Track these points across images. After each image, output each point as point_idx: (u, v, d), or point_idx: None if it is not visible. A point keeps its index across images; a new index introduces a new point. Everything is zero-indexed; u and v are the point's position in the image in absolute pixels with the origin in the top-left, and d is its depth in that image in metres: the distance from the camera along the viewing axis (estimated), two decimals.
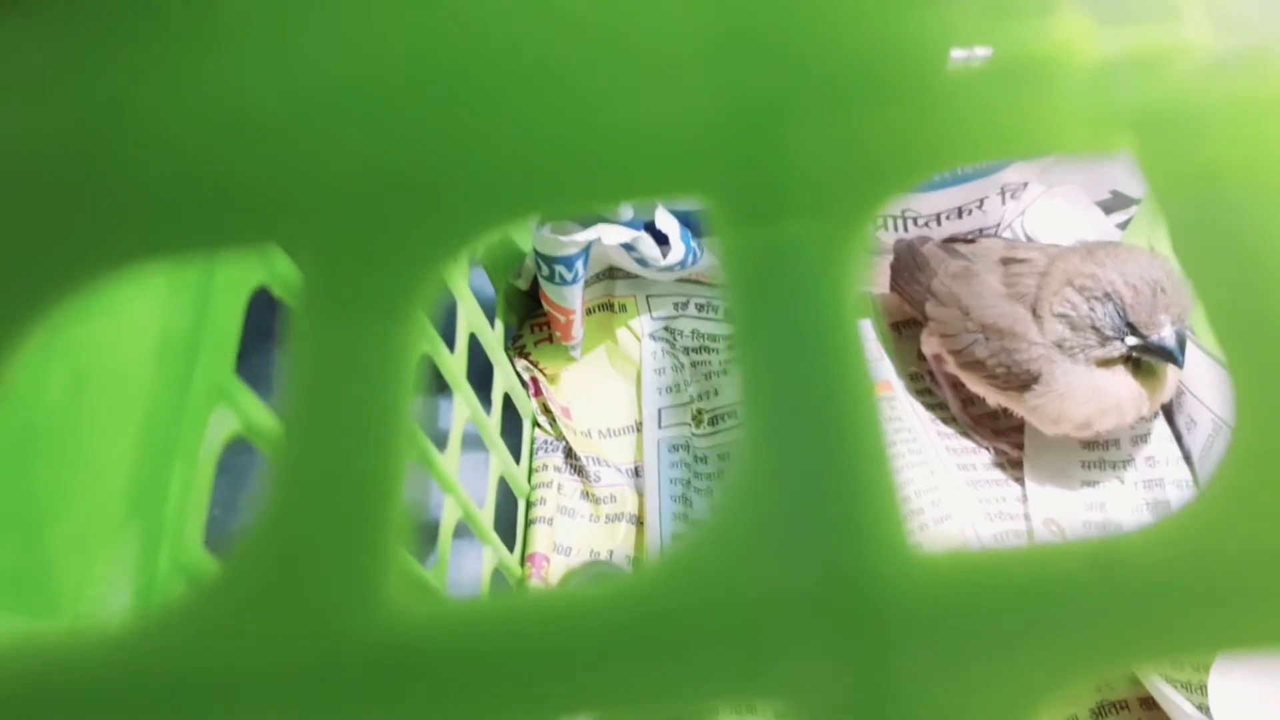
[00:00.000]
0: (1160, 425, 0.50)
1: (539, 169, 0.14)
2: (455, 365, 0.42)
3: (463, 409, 0.43)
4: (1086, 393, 0.45)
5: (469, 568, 0.46)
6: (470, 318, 0.45)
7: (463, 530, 0.43)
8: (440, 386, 0.43)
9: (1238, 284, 0.14)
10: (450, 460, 0.41)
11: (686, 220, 0.51)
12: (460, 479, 0.42)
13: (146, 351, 0.24)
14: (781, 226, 0.13)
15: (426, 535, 0.48)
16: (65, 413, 0.21)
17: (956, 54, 0.16)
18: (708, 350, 0.55)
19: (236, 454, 0.28)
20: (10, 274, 0.14)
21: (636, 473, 0.53)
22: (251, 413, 0.28)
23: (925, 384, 0.55)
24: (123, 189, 0.15)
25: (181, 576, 0.24)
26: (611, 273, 0.56)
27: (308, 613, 0.12)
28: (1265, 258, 0.14)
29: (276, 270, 0.29)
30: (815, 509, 0.12)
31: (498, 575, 0.46)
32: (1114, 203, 0.54)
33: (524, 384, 0.54)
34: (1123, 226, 0.54)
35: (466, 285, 0.45)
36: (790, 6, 0.15)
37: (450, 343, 0.42)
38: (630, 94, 0.15)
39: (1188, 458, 0.49)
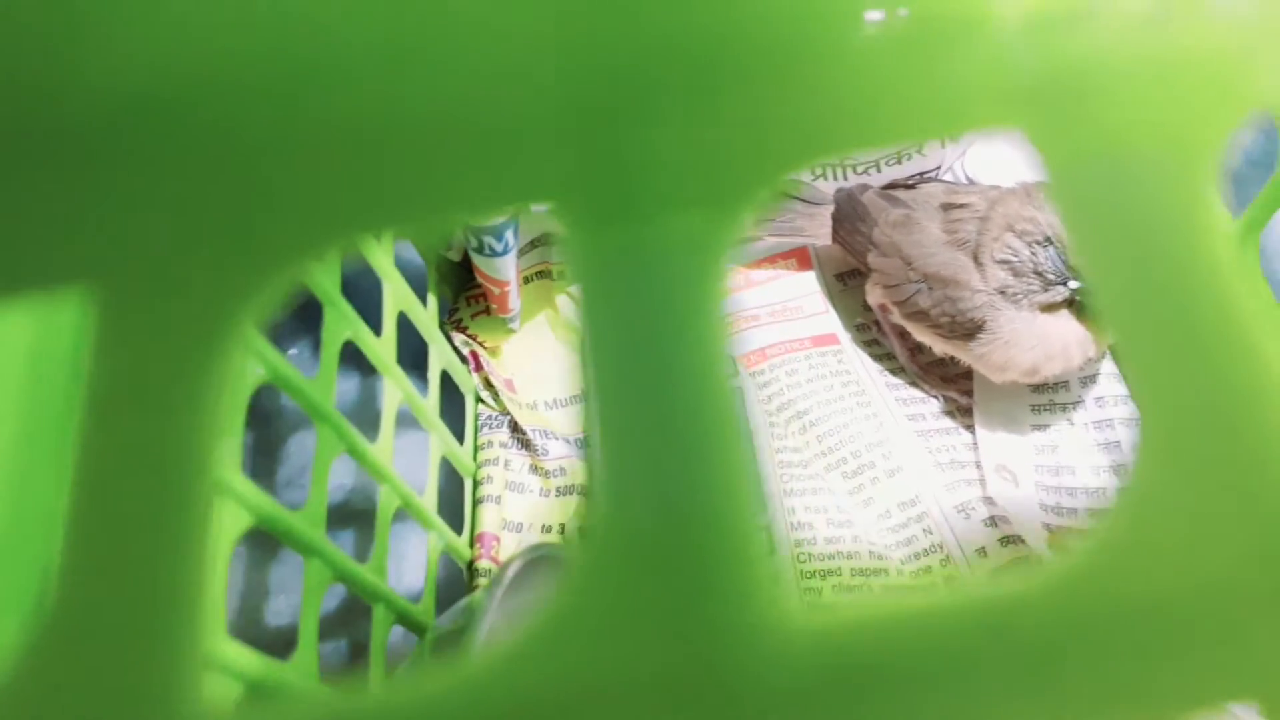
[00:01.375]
0: (1108, 365, 0.50)
1: (365, 183, 0.13)
2: (383, 349, 0.41)
3: (394, 393, 0.42)
4: (1032, 338, 0.45)
5: (413, 555, 0.45)
6: (398, 296, 0.43)
7: (405, 515, 0.41)
8: (370, 369, 0.41)
9: (1135, 262, 0.13)
10: (383, 448, 0.39)
11: None
12: (400, 463, 0.40)
13: (15, 376, 0.22)
14: (641, 225, 0.12)
15: (363, 526, 0.47)
16: None
17: (871, 15, 0.14)
18: None
19: None
20: None
21: (586, 443, 0.52)
22: None
23: (872, 334, 0.54)
24: None
25: None
26: (547, 238, 0.54)
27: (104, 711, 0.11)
28: (1162, 229, 0.13)
29: None
30: (665, 567, 0.11)
31: (445, 559, 0.45)
32: None
33: (463, 359, 0.52)
34: None
35: (391, 263, 0.43)
36: None
37: (376, 325, 0.41)
38: (462, 92, 0.13)
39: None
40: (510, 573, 0.35)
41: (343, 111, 0.13)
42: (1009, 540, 0.46)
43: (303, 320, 0.53)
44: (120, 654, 0.11)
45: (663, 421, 0.12)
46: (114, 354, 0.12)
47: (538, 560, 0.37)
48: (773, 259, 0.56)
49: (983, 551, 0.47)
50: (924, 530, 0.47)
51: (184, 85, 0.13)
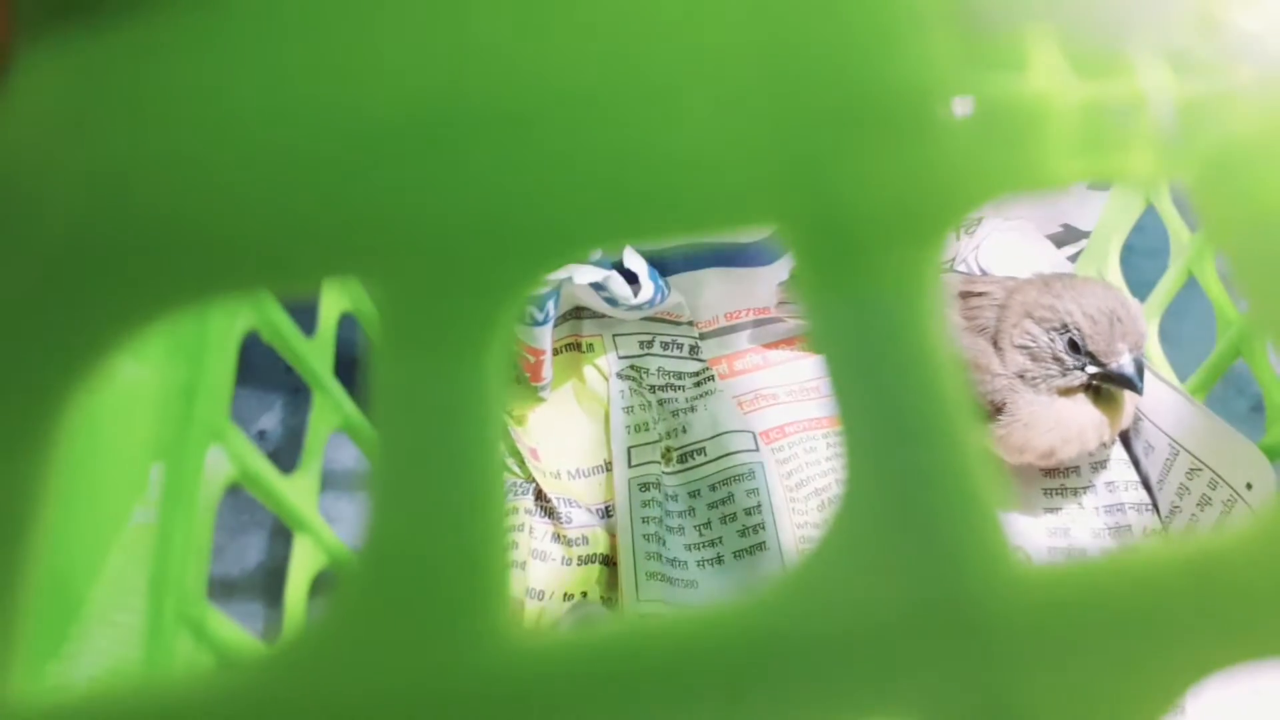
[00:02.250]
0: (1118, 451, 0.52)
1: (606, 201, 0.14)
2: None
3: None
4: (1050, 421, 0.47)
5: None
6: None
7: None
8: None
9: None
10: None
11: (652, 259, 0.52)
12: None
13: (150, 399, 0.23)
14: (856, 250, 0.14)
15: None
16: (75, 461, 0.21)
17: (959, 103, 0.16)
18: (674, 388, 0.56)
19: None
20: (85, 309, 0.14)
21: (607, 513, 0.52)
22: (246, 457, 0.27)
23: None
24: (168, 232, 0.14)
25: (187, 629, 0.23)
26: (578, 312, 0.56)
27: (418, 650, 0.12)
28: None
29: (266, 315, 0.29)
30: (916, 528, 0.12)
31: None
32: (1065, 236, 0.56)
33: None
34: (1073, 259, 0.56)
35: None
36: (847, 32, 0.15)
37: None
38: (695, 124, 0.15)
39: (1145, 482, 0.51)
40: None
41: (592, 134, 0.15)
42: None
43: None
44: (434, 600, 0.12)
45: (900, 427, 0.13)
46: (390, 351, 0.13)
47: (584, 620, 0.38)
48: (791, 340, 0.58)
49: None
50: None
51: (449, 108, 0.15)
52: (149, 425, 0.23)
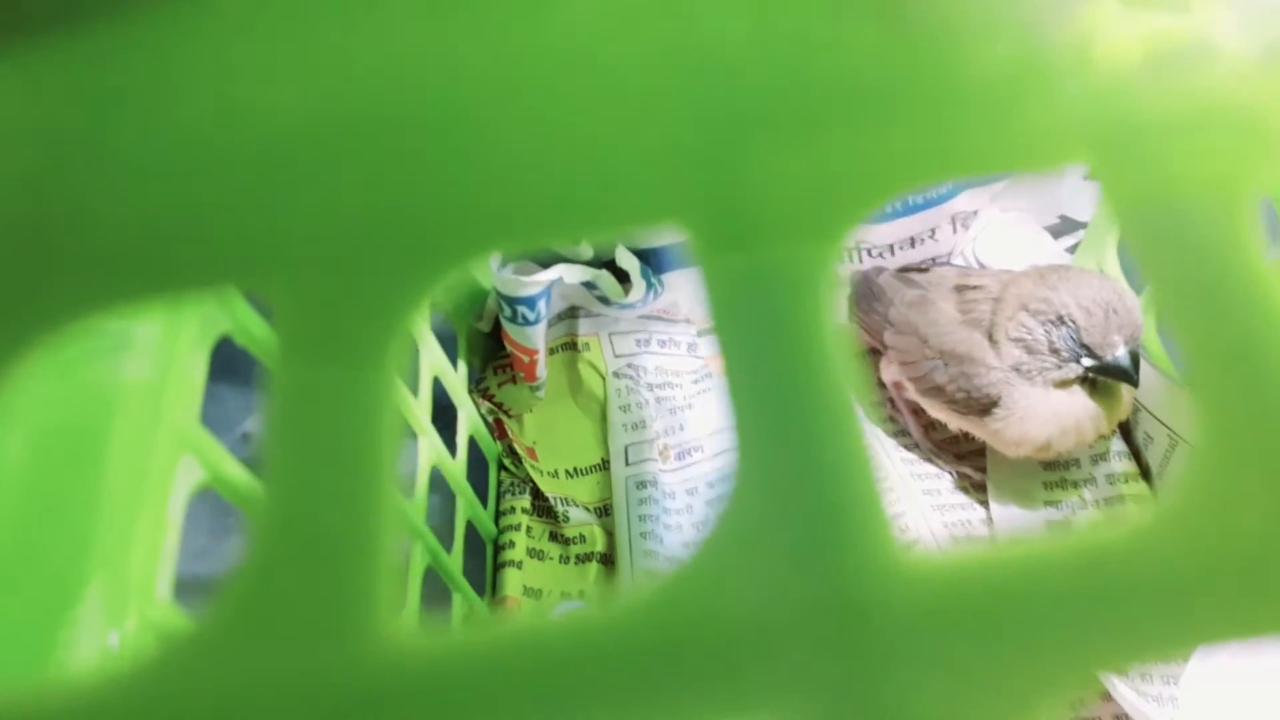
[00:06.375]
0: (1118, 443, 0.51)
1: (511, 203, 0.14)
2: (419, 410, 0.42)
3: (428, 454, 0.43)
4: (1046, 414, 0.46)
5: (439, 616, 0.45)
6: (433, 361, 0.45)
7: (431, 577, 0.42)
8: (404, 431, 0.43)
9: (1199, 298, 0.14)
10: (417, 507, 0.40)
11: (646, 258, 0.52)
12: (427, 524, 0.41)
13: (110, 405, 0.23)
14: (758, 249, 0.14)
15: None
16: (26, 470, 0.21)
17: None
18: (672, 385, 0.55)
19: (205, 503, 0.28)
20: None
21: (605, 511, 0.52)
22: (218, 462, 0.27)
23: (886, 411, 0.55)
24: (85, 236, 0.14)
25: (150, 633, 0.23)
26: (573, 311, 0.56)
27: (294, 665, 0.12)
28: (1225, 272, 0.14)
29: (239, 319, 0.29)
30: (801, 525, 0.12)
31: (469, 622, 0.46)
32: (1062, 227, 0.56)
33: (488, 426, 0.53)
34: (1071, 250, 0.55)
35: (428, 328, 0.44)
36: (754, 30, 0.15)
37: (414, 387, 0.42)
38: (598, 126, 0.15)
39: (1146, 473, 0.50)
40: None
41: (497, 141, 0.15)
42: None
43: None
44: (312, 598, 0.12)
45: (793, 423, 0.13)
46: (286, 359, 0.13)
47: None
48: None
49: None
50: None
51: (351, 114, 0.15)
52: (109, 429, 0.23)
